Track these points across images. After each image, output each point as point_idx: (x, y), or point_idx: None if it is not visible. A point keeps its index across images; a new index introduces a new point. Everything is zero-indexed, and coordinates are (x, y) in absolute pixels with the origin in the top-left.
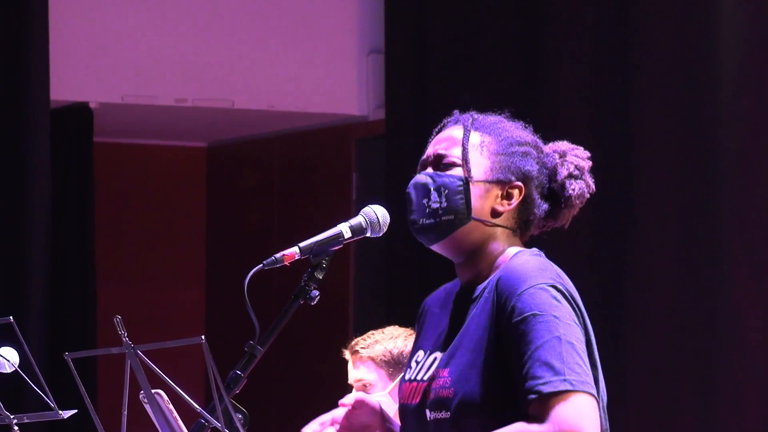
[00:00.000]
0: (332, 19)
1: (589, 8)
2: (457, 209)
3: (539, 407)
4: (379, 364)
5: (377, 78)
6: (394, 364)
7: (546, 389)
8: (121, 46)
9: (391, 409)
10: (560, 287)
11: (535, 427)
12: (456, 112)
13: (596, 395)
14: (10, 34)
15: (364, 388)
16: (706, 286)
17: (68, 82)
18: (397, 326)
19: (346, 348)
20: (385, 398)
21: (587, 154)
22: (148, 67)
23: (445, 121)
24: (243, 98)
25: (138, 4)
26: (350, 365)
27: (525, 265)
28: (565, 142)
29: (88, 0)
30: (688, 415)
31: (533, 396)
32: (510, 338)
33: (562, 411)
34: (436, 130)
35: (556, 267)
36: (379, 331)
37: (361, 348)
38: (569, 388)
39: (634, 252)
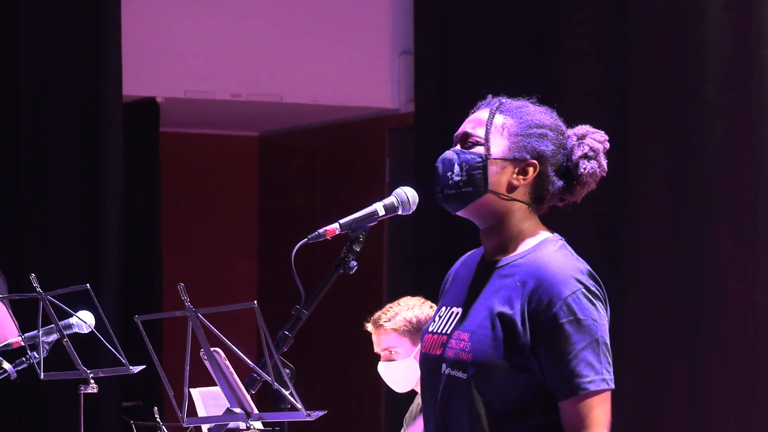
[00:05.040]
0: (368, 25)
1: (592, 15)
2: (475, 182)
3: (581, 402)
4: (402, 333)
5: (407, 76)
6: (415, 331)
7: (592, 387)
8: (184, 49)
9: (416, 372)
10: (593, 288)
11: None
12: (489, 96)
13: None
14: (88, 40)
15: (391, 356)
16: (693, 255)
17: (138, 79)
18: (410, 297)
19: (368, 322)
20: (411, 362)
21: (605, 137)
22: (207, 66)
23: (480, 103)
24: (290, 93)
25: (199, 13)
26: (374, 337)
27: (562, 268)
28: (587, 126)
29: (155, 9)
30: (678, 368)
31: (581, 392)
32: (554, 334)
33: (600, 412)
34: (472, 111)
35: (581, 263)
36: (396, 303)
37: (384, 322)
38: (605, 387)
39: (631, 226)
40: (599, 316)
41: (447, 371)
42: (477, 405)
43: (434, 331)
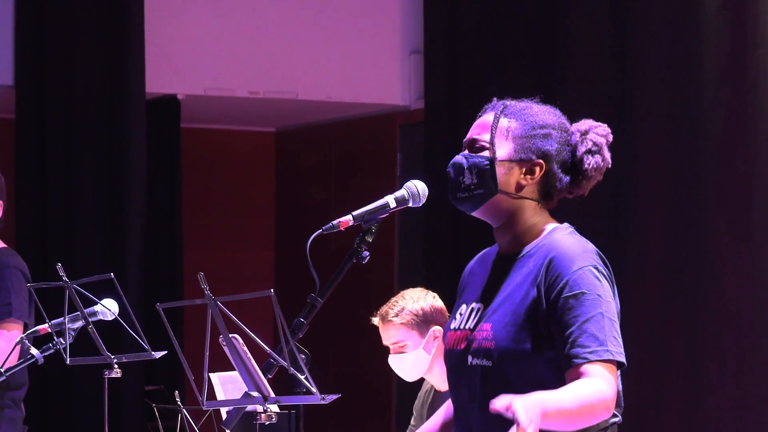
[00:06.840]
0: (380, 25)
1: (596, 15)
2: (486, 184)
3: (584, 371)
4: (410, 327)
5: (417, 74)
6: (422, 323)
7: (592, 357)
8: (204, 48)
9: (426, 361)
10: (601, 268)
11: (588, 382)
12: (495, 99)
13: (624, 362)
14: (112, 40)
15: (401, 348)
16: (690, 247)
17: (160, 77)
18: (412, 288)
19: (374, 316)
20: (421, 353)
21: (607, 131)
22: (226, 65)
23: (486, 106)
24: (305, 91)
25: (218, 15)
26: (382, 332)
27: (571, 247)
28: (590, 121)
29: (176, 10)
30: (677, 346)
31: (580, 361)
32: (560, 308)
33: (602, 377)
34: (479, 114)
35: (591, 245)
36: (400, 296)
37: (393, 317)
38: (610, 357)
39: (630, 221)
40: (604, 293)
41: (473, 362)
42: (506, 391)
43: (457, 327)
